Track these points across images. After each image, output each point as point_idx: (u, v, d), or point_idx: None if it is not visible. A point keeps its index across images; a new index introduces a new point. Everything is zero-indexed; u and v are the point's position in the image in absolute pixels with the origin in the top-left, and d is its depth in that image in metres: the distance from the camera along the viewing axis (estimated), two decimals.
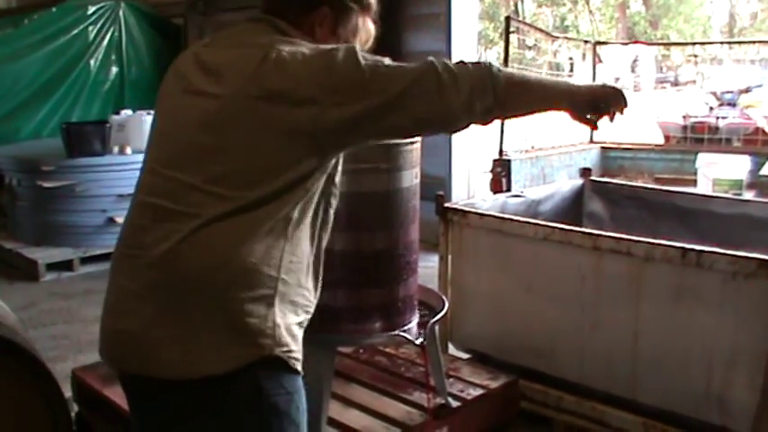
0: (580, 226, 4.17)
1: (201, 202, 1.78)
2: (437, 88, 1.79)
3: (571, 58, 9.83)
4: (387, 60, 1.84)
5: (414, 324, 2.53)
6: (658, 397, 3.13)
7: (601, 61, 13.76)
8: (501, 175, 5.93)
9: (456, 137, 7.17)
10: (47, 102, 7.86)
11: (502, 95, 1.82)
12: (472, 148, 7.32)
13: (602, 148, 8.05)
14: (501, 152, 6.01)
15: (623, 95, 2.01)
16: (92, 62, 8.16)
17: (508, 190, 5.38)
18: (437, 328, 2.71)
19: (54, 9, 7.86)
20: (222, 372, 1.75)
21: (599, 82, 2.01)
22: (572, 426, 3.35)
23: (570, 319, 3.36)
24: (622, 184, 4.92)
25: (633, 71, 22.71)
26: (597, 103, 2.00)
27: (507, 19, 5.87)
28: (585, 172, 4.71)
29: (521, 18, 28.78)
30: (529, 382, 3.46)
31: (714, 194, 5.12)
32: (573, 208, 4.62)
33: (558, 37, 7.15)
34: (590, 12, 35.13)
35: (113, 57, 8.37)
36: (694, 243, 3.09)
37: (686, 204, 4.29)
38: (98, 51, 8.18)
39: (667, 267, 3.03)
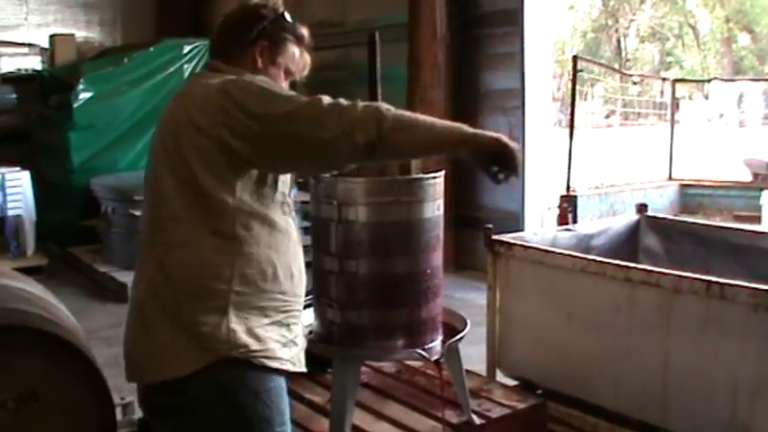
0: (636, 261, 4.27)
1: (160, 228, 2.13)
2: (317, 115, 1.98)
3: (677, 97, 9.87)
4: (285, 91, 2.07)
5: (437, 343, 2.73)
6: (688, 425, 3.20)
7: (707, 98, 13.61)
8: (567, 210, 6.07)
9: (530, 172, 7.34)
10: (144, 135, 8.31)
11: (387, 130, 1.95)
12: (546, 184, 7.44)
13: (681, 185, 8.05)
14: (568, 188, 6.16)
15: (515, 155, 2.10)
16: None
17: None
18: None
19: (152, 48, 8.39)
20: (184, 374, 2.06)
21: (495, 134, 2.13)
22: None
23: (605, 348, 3.49)
24: (677, 220, 4.99)
25: (739, 107, 22.32)
26: (495, 155, 2.10)
27: (575, 58, 6.03)
28: (641, 207, 4.80)
29: (623, 54, 28.57)
30: (568, 409, 3.60)
31: (766, 231, 5.13)
32: (628, 243, 4.70)
33: (627, 74, 7.22)
34: (698, 46, 34.48)
35: None
36: (745, 279, 3.17)
37: (739, 241, 4.33)
38: None
39: (694, 299, 3.13)
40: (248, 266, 2.10)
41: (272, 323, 2.15)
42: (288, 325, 2.20)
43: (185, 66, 8.53)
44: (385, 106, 2.01)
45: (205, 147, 2.05)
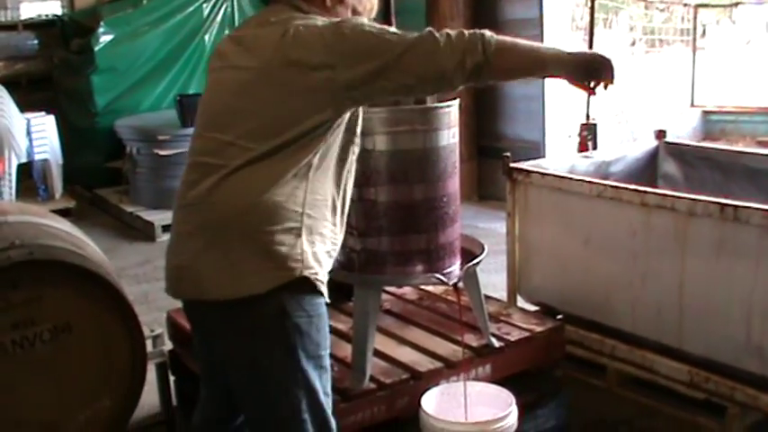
0: (655, 187, 4.30)
1: (235, 154, 2.15)
2: (433, 49, 2.12)
3: (703, 24, 9.73)
4: (391, 29, 2.20)
5: (455, 268, 2.80)
6: (703, 346, 3.26)
7: (734, 23, 13.38)
8: (587, 138, 6.08)
9: (550, 101, 7.33)
10: (165, 76, 8.38)
11: (491, 54, 2.12)
12: (568, 113, 7.43)
13: (704, 111, 8.02)
14: (588, 116, 6.15)
15: (612, 66, 2.25)
16: (206, 38, 8.56)
17: None
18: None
19: None
20: (263, 291, 2.12)
21: (590, 50, 2.30)
22: (624, 373, 3.54)
23: (623, 271, 3.54)
24: (695, 146, 4.99)
25: None
26: (591, 71, 2.26)
27: None
28: (660, 133, 4.79)
29: None
30: (587, 332, 3.67)
31: None
32: (647, 169, 4.71)
33: (646, 0, 7.15)
34: None
35: (227, 32, 8.70)
36: (763, 203, 3.19)
37: (755, 164, 4.33)
38: (212, 27, 8.59)
39: (708, 222, 3.16)
40: (317, 193, 2.21)
41: (326, 251, 2.27)
42: (330, 255, 2.31)
43: (204, 5, 8.51)
44: (489, 32, 2.17)
45: (311, 84, 2.13)
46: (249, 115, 2.18)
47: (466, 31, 2.17)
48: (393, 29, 2.24)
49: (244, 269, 2.15)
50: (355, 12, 2.37)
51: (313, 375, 2.23)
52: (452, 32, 2.17)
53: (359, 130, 2.34)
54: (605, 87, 2.32)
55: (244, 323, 2.20)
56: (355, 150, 2.34)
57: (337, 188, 2.29)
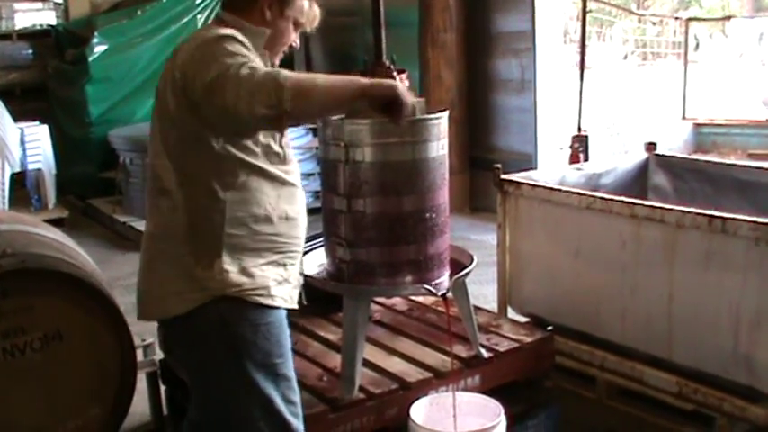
0: (645, 199, 4.32)
1: (156, 177, 2.27)
2: (223, 84, 2.03)
3: (696, 36, 9.80)
4: (227, 56, 2.08)
5: (444, 279, 2.82)
6: (691, 357, 3.28)
7: (727, 37, 13.46)
8: (579, 150, 6.12)
9: (542, 113, 7.37)
10: None
11: (287, 102, 2.00)
12: (560, 125, 7.47)
13: (695, 124, 8.05)
14: (579, 128, 6.20)
15: (400, 104, 2.16)
16: None
17: None
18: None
19: (164, 0, 8.42)
20: (184, 311, 2.23)
21: (388, 83, 2.24)
22: (613, 384, 3.55)
23: (613, 283, 3.55)
24: (685, 158, 5.02)
25: (760, 45, 22.01)
26: (385, 105, 2.17)
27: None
28: (650, 146, 4.82)
29: None
30: (577, 343, 3.69)
31: None
32: (637, 182, 4.74)
33: (639, 14, 7.21)
34: None
35: None
36: (752, 215, 3.22)
37: (746, 177, 4.35)
38: None
39: (697, 234, 3.18)
40: (239, 210, 2.23)
41: (268, 263, 2.29)
42: (284, 265, 2.34)
43: (198, 16, 8.54)
44: (283, 75, 2.03)
45: (182, 101, 2.15)
46: (160, 141, 2.26)
47: (259, 72, 2.04)
48: (229, 55, 2.09)
49: (165, 292, 2.27)
50: (297, 24, 2.37)
51: (265, 384, 2.27)
52: (246, 72, 2.03)
53: (271, 142, 2.29)
54: (395, 122, 2.27)
55: (187, 340, 2.31)
56: (281, 161, 2.33)
57: (270, 200, 2.28)
